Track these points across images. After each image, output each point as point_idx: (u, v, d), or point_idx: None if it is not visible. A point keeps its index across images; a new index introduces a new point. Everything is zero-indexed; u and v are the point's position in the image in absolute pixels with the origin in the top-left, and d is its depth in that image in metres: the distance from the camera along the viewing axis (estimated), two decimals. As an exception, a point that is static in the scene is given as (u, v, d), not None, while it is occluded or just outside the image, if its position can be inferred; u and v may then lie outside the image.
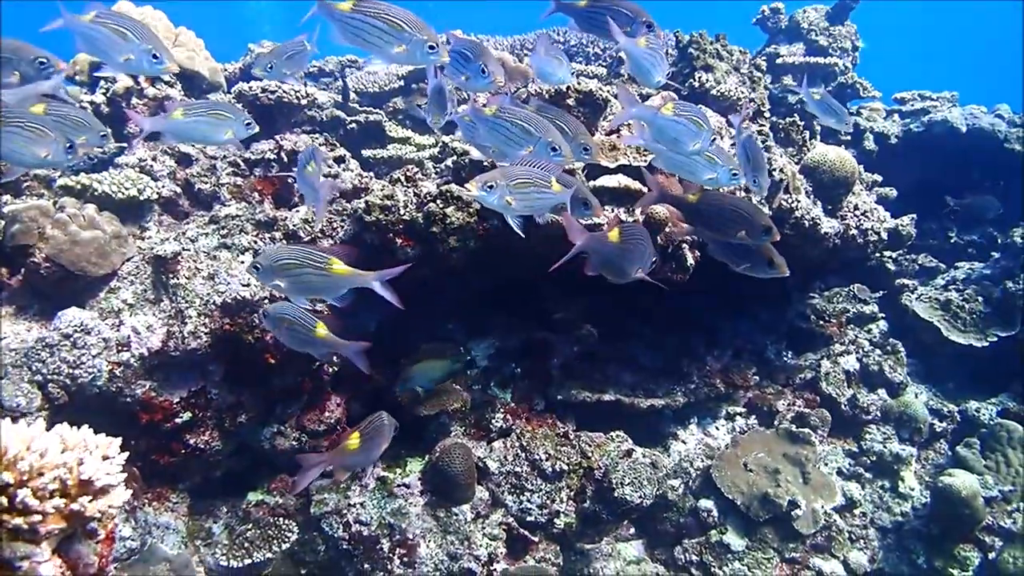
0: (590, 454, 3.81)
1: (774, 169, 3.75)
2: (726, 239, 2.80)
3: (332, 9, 2.14)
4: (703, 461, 4.30)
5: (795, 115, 4.73)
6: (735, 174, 2.83)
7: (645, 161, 3.57)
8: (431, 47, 2.22)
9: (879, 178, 5.23)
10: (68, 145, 2.36)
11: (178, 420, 3.25)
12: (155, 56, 2.42)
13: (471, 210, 3.42)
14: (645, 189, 3.43)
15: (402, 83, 5.38)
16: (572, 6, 2.87)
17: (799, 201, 3.88)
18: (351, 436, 2.76)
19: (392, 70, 5.38)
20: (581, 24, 2.87)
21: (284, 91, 3.84)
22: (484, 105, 2.59)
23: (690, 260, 3.68)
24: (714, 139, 2.71)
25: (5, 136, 2.25)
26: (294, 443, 3.61)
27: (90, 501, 1.47)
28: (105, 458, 1.51)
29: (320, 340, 2.67)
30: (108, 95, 3.60)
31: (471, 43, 2.58)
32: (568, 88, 3.57)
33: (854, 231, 4.29)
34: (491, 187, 2.40)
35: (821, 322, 5.04)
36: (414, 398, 3.69)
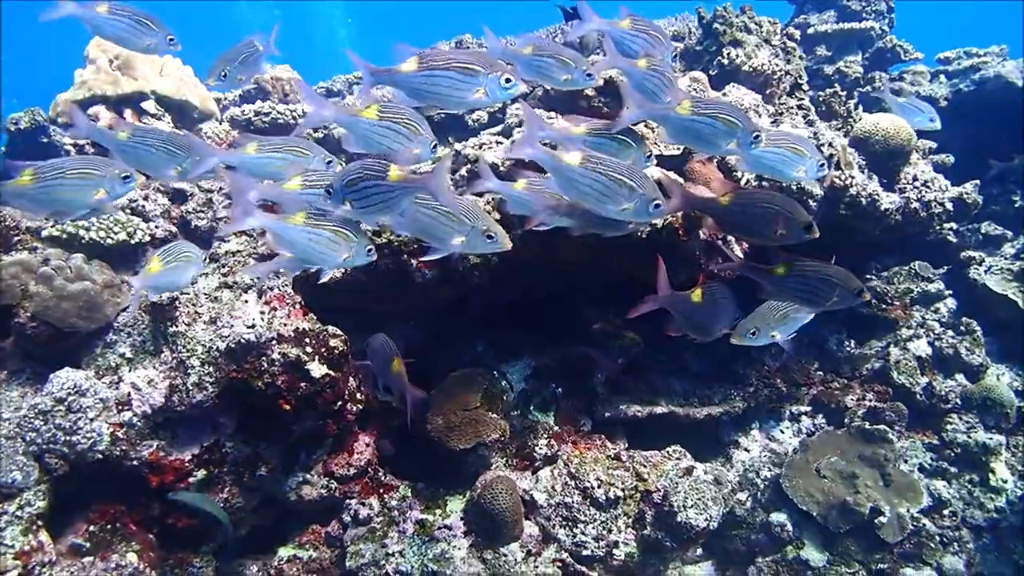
0: (646, 476, 3.47)
1: (822, 144, 3.38)
2: (763, 241, 2.48)
3: (359, 119, 2.08)
4: (770, 470, 3.93)
5: (835, 86, 4.35)
6: (822, 164, 2.53)
7: (679, 149, 3.23)
8: (434, 146, 2.19)
9: (934, 145, 4.81)
10: (124, 176, 2.29)
11: (192, 479, 2.97)
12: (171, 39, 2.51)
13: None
14: (677, 177, 3.10)
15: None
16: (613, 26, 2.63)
17: (853, 177, 3.50)
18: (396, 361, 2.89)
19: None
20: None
21: (279, 112, 3.56)
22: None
23: (738, 253, 3.34)
24: (757, 135, 2.40)
25: (50, 188, 2.24)
26: (322, 491, 3.33)
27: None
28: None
29: None
30: (91, 133, 3.34)
31: (468, 54, 2.24)
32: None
33: (916, 204, 3.89)
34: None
35: (883, 306, 4.64)
36: (447, 429, 3.37)
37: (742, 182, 3.40)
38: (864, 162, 3.77)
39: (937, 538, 3.77)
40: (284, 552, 3.36)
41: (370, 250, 2.26)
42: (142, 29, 2.49)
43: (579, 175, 2.17)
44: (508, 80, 2.12)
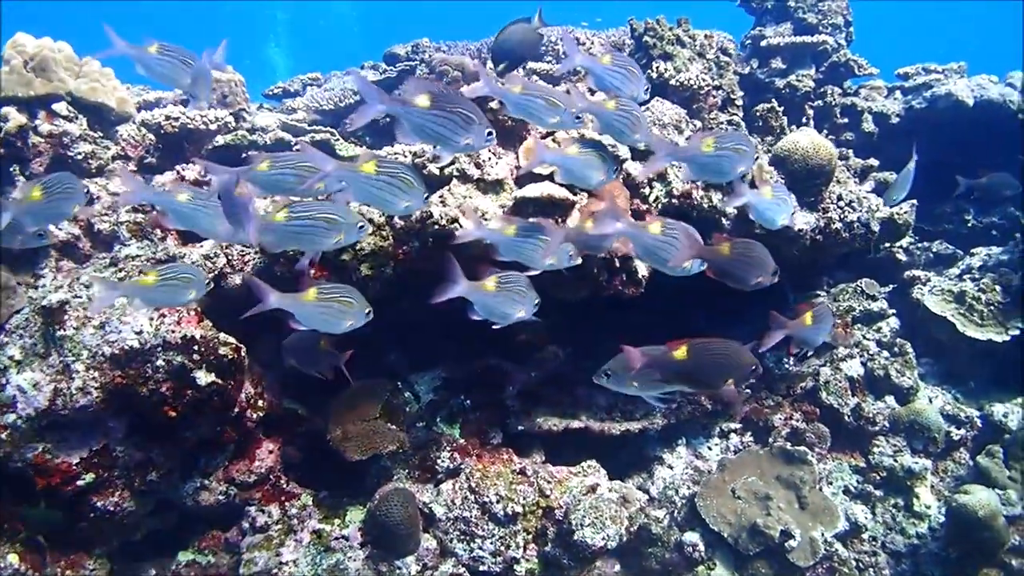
0: (549, 492, 3.44)
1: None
2: (744, 286, 2.53)
3: (358, 174, 2.22)
4: (689, 488, 3.90)
5: (773, 101, 4.31)
6: (793, 212, 2.82)
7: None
8: (426, 198, 2.39)
9: (875, 162, 4.74)
10: (86, 191, 2.55)
11: (80, 483, 2.96)
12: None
13: (384, 233, 3.09)
14: (574, 198, 3.07)
15: (357, 98, 5.08)
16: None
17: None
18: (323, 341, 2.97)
19: (348, 85, 5.08)
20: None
21: (188, 117, 3.55)
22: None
23: (643, 272, 3.31)
24: (757, 157, 2.50)
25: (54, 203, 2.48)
26: (221, 497, 3.33)
27: None
28: None
29: None
30: (0, 135, 3.34)
31: (468, 104, 2.28)
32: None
33: (838, 224, 3.84)
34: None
35: (824, 324, 4.59)
36: (343, 439, 3.35)
37: (651, 198, 3.38)
38: (783, 180, 3.72)
39: (852, 563, 3.72)
40: (183, 556, 3.37)
41: (368, 312, 2.53)
42: (187, 69, 2.57)
43: (660, 242, 2.42)
44: (490, 133, 2.29)
